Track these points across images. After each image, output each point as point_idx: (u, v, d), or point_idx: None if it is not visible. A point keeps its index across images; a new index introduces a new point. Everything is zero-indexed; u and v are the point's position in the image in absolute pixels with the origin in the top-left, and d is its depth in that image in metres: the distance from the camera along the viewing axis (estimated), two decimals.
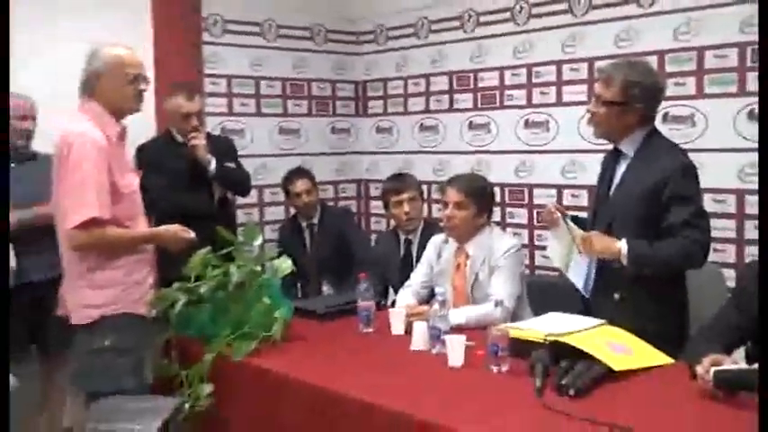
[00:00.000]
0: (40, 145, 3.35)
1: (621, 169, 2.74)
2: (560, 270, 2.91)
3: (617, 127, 2.70)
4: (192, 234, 2.81)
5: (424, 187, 4.78)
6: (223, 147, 4.09)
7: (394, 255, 3.85)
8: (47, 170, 2.82)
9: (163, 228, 2.83)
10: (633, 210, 2.65)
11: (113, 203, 2.65)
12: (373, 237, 5.14)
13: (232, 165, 3.99)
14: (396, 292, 3.57)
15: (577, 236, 2.73)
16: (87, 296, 2.68)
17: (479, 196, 3.16)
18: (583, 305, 2.77)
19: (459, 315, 2.89)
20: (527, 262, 3.23)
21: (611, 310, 2.64)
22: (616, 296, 2.67)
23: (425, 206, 4.70)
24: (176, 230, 2.80)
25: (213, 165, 3.82)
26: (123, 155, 2.82)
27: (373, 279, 3.63)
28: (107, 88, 2.71)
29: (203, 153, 3.79)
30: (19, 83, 3.39)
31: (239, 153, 4.38)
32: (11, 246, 3.06)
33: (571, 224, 2.78)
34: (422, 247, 3.57)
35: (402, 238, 3.85)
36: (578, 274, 2.78)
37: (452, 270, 3.19)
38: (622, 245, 2.59)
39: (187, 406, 2.61)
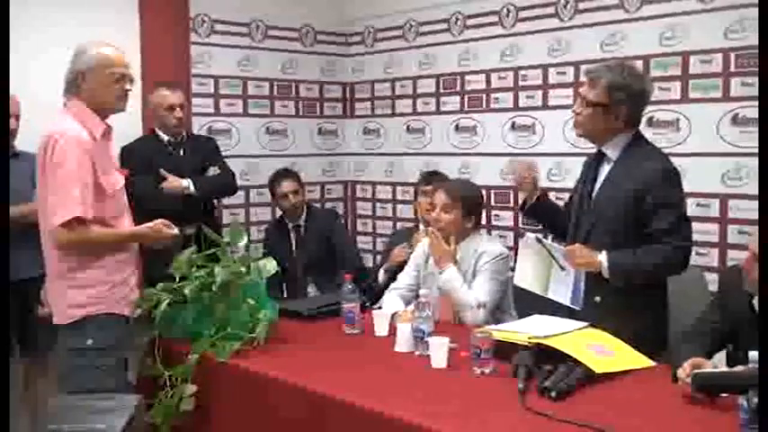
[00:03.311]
0: (30, 144, 3.33)
1: (604, 172, 2.76)
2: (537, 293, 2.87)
3: (599, 128, 2.72)
4: (176, 230, 2.80)
5: (410, 189, 4.81)
6: (205, 147, 4.12)
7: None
8: (30, 169, 2.80)
9: (146, 225, 2.81)
10: (615, 214, 2.66)
11: (97, 202, 2.65)
12: (364, 237, 5.16)
13: (214, 169, 4.00)
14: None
15: (558, 252, 2.74)
16: (69, 296, 2.67)
17: (466, 200, 3.21)
18: (565, 308, 2.78)
19: (449, 279, 3.02)
20: (512, 264, 3.24)
21: (592, 313, 2.65)
22: (597, 299, 2.68)
23: (412, 208, 4.72)
24: (160, 228, 2.79)
25: (192, 187, 3.85)
26: (108, 153, 2.81)
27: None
28: (92, 87, 2.70)
29: (177, 188, 3.83)
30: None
31: (226, 153, 4.38)
32: None
33: (547, 242, 2.79)
34: None
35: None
36: (562, 291, 2.76)
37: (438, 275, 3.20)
38: (603, 258, 2.60)
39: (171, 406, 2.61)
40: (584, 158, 3.02)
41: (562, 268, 2.74)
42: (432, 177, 3.94)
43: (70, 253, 2.65)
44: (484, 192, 3.56)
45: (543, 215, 3.07)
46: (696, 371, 2.08)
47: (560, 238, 2.98)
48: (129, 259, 2.80)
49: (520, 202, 3.14)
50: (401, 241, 3.97)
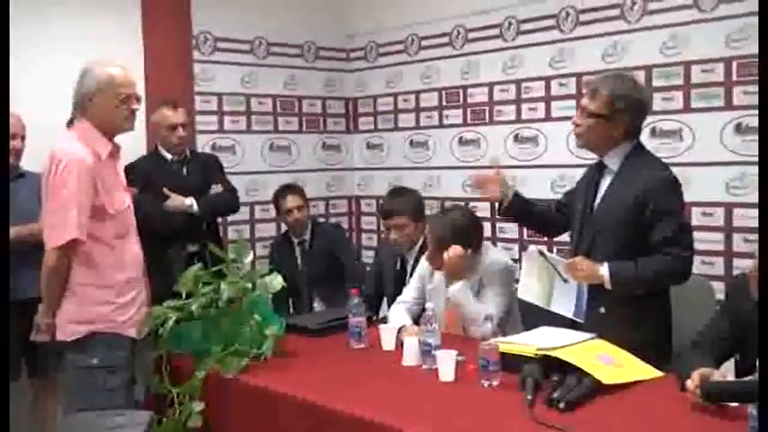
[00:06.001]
0: (33, 162, 3.35)
1: (605, 184, 2.76)
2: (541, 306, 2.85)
3: (600, 139, 2.72)
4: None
5: None
6: (208, 164, 4.12)
7: (390, 265, 3.84)
8: (35, 188, 2.82)
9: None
10: (616, 224, 2.66)
11: (98, 223, 2.66)
12: (369, 252, 5.16)
13: (217, 187, 4.01)
14: (389, 303, 3.59)
15: (560, 265, 2.74)
16: (73, 312, 2.68)
17: (465, 236, 3.10)
18: (570, 320, 2.77)
19: (457, 292, 2.99)
20: (517, 276, 3.24)
21: (597, 325, 2.64)
22: (602, 310, 2.68)
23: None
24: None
25: (195, 207, 3.86)
26: (114, 173, 2.81)
27: (369, 289, 3.70)
28: (98, 108, 2.71)
29: (180, 206, 3.84)
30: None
31: (230, 170, 4.40)
32: None
33: (550, 255, 2.79)
34: (417, 260, 3.60)
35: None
36: (565, 303, 2.76)
37: (445, 288, 3.19)
38: (604, 270, 2.61)
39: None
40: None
41: (565, 281, 2.74)
42: (388, 208, 3.68)
43: (75, 268, 2.66)
44: (488, 203, 3.56)
45: (521, 213, 3.03)
46: (705, 381, 2.07)
47: (543, 234, 3.13)
48: (136, 280, 2.81)
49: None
50: (384, 258, 3.91)
